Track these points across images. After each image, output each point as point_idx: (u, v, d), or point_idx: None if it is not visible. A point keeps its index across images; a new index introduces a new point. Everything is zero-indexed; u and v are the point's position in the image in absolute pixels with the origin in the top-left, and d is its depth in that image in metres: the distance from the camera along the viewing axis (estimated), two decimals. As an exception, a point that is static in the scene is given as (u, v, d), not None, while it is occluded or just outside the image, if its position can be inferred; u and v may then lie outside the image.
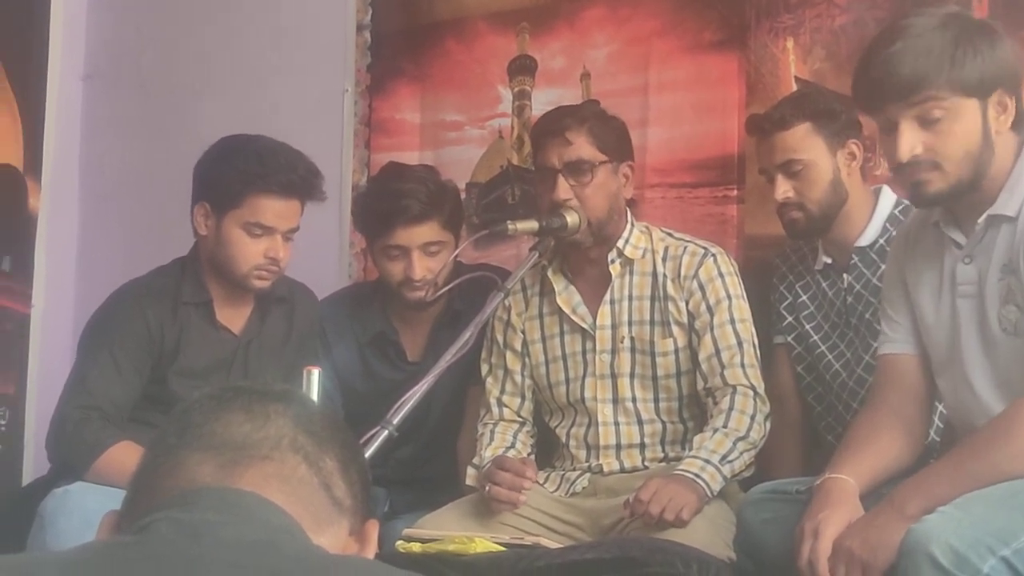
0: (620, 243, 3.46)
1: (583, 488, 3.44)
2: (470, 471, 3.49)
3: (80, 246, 4.80)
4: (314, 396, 2.72)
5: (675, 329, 3.42)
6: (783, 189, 3.38)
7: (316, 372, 2.76)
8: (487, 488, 3.32)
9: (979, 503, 2.47)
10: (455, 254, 3.55)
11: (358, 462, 1.47)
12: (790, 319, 3.59)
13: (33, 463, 4.49)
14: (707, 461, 3.20)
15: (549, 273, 3.51)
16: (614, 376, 3.46)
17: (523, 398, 3.57)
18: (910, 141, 2.65)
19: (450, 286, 3.39)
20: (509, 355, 3.57)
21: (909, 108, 2.64)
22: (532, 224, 3.35)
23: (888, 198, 3.41)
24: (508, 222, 3.34)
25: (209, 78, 4.69)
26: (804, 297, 3.56)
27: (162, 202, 4.50)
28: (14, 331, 4.56)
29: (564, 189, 3.39)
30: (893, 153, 2.67)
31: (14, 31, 4.63)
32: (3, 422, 4.47)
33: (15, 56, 4.62)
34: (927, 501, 2.51)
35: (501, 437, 3.52)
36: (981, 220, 2.70)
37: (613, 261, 3.46)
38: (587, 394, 3.47)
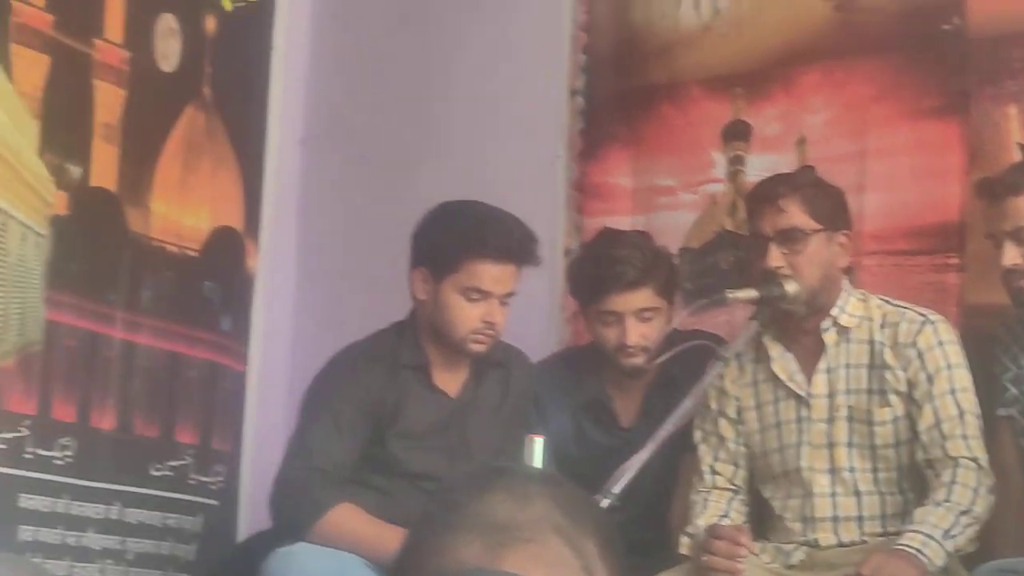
0: (835, 311, 3.42)
1: (799, 561, 3.39)
2: (684, 540, 3.47)
3: (296, 306, 4.89)
4: (537, 464, 2.74)
5: (893, 398, 3.37)
6: (1011, 255, 3.30)
7: (540, 440, 2.78)
8: (703, 558, 3.30)
9: None
10: (673, 324, 3.54)
11: (614, 544, 1.46)
12: (1014, 391, 3.50)
13: (248, 519, 4.58)
14: (929, 536, 3.14)
15: (765, 339, 3.48)
16: (830, 446, 3.41)
17: (736, 466, 3.54)
18: None
19: (668, 355, 3.37)
20: (723, 422, 3.55)
21: None
22: (751, 293, 3.34)
23: None
24: (727, 291, 3.35)
25: (425, 141, 4.76)
26: (1030, 368, 3.48)
27: (377, 263, 4.56)
28: (231, 389, 4.65)
29: (776, 257, 3.37)
30: None
31: (236, 94, 4.74)
32: (220, 479, 4.55)
33: (236, 119, 4.73)
34: None
35: (715, 505, 3.50)
36: None
37: (827, 329, 3.42)
38: (803, 464, 3.43)
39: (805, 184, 3.47)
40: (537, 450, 2.76)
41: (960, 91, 3.90)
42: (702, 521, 3.44)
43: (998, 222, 3.35)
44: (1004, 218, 3.33)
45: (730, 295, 3.34)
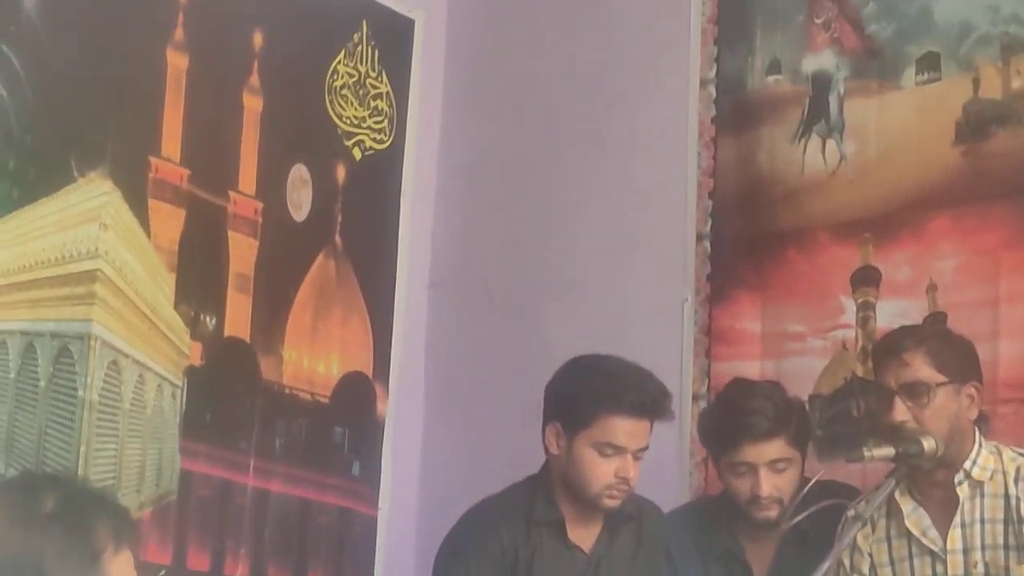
0: (967, 464, 3.38)
1: None
2: None
3: (424, 450, 4.92)
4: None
5: (1031, 555, 3.31)
6: None
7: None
8: None
9: None
10: (809, 483, 3.51)
11: None
12: None
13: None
14: None
15: (897, 494, 3.44)
16: (968, 603, 3.36)
17: None
18: None
19: (804, 515, 3.34)
20: None
21: None
22: (888, 451, 3.31)
23: None
24: (864, 449, 3.31)
25: (552, 286, 4.79)
26: None
27: (505, 409, 4.59)
28: (362, 534, 4.68)
29: (901, 411, 3.34)
30: None
31: (366, 240, 4.82)
32: (354, 626, 4.58)
33: (366, 265, 4.80)
34: None
35: None
36: None
37: (960, 483, 3.37)
38: (941, 621, 3.38)
39: (930, 336, 3.45)
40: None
41: (1092, 240, 3.87)
42: None
43: None
44: None
45: (867, 453, 3.30)
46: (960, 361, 3.41)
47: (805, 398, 4.20)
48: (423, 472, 4.89)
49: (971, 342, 3.52)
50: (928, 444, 3.30)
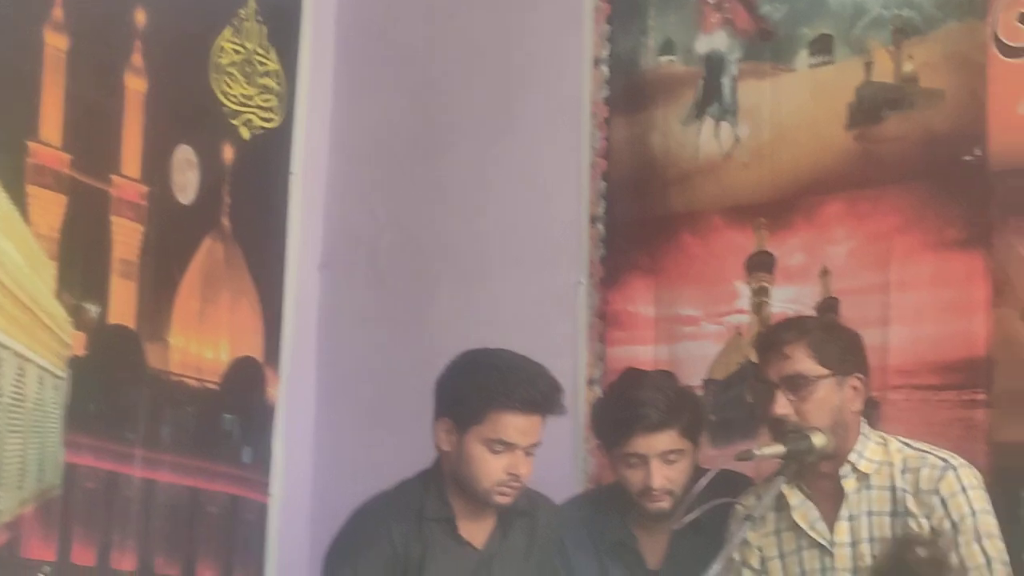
0: (853, 457, 3.37)
1: None
2: None
3: (317, 435, 4.86)
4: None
5: (918, 547, 3.31)
6: None
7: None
8: None
9: None
10: (702, 474, 3.49)
11: None
12: (1043, 534, 3.46)
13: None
14: None
15: (784, 488, 3.42)
16: (857, 595, 3.36)
17: None
18: None
19: (695, 514, 3.31)
20: (746, 573, 3.49)
21: None
22: (778, 449, 3.29)
23: None
24: (754, 448, 3.30)
25: (445, 268, 4.74)
26: (1056, 507, 3.43)
27: (399, 392, 4.55)
28: (253, 522, 4.62)
29: (782, 405, 3.33)
30: None
31: (254, 222, 4.73)
32: (242, 613, 4.52)
33: (255, 247, 4.72)
34: None
35: None
36: None
37: (846, 476, 3.37)
38: (829, 614, 3.38)
39: (813, 329, 3.42)
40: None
41: (983, 223, 3.85)
42: None
43: None
44: None
45: (756, 452, 3.28)
46: (843, 353, 3.39)
47: (699, 383, 4.19)
48: (316, 457, 4.84)
49: (857, 333, 3.50)
50: (818, 440, 3.29)
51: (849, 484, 3.37)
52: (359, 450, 4.69)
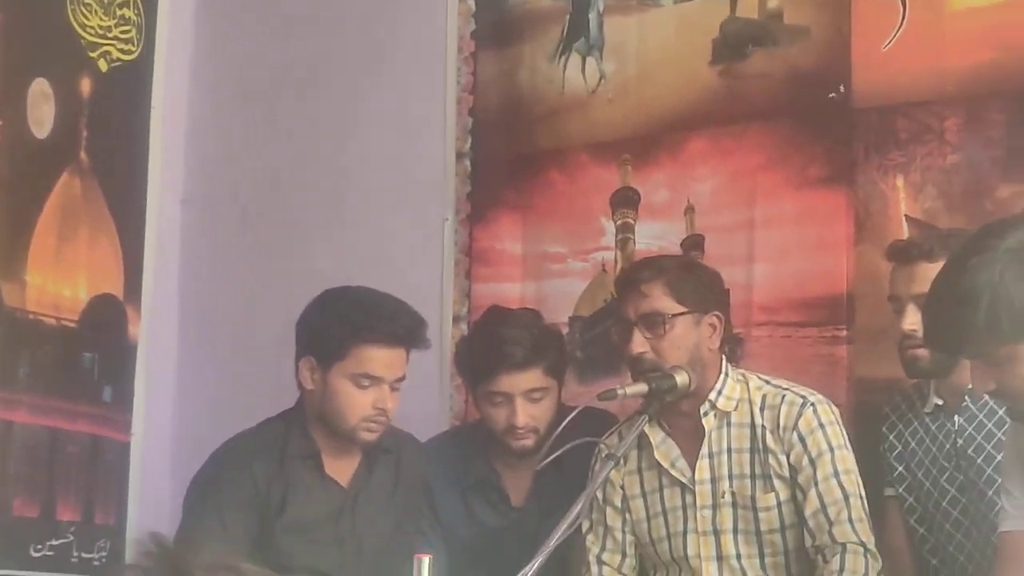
0: (712, 395, 3.38)
1: (690, 646, 3.37)
2: None
3: (179, 374, 4.79)
4: (426, 582, 2.68)
5: (777, 483, 3.33)
6: (912, 320, 3.27)
7: (427, 560, 2.72)
8: None
9: None
10: (567, 412, 3.49)
11: None
12: (900, 469, 3.49)
13: (134, 594, 4.48)
14: (821, 628, 3.12)
15: (646, 427, 3.42)
16: (716, 532, 3.38)
17: (624, 555, 3.50)
18: (979, 380, 2.66)
19: (557, 453, 3.30)
20: (609, 511, 3.50)
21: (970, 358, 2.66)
22: (641, 387, 3.29)
23: None
24: (617, 388, 3.28)
25: (309, 204, 4.68)
26: (913, 444, 3.47)
27: (263, 328, 4.49)
28: (114, 461, 4.54)
29: (639, 343, 3.34)
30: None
31: (114, 157, 4.63)
32: (104, 553, 4.45)
33: (114, 182, 4.62)
34: None
35: None
36: None
37: (706, 414, 3.38)
38: (690, 551, 3.39)
39: (670, 267, 3.41)
40: (425, 571, 2.69)
41: (847, 161, 3.88)
42: None
43: (905, 285, 3.33)
44: (912, 282, 3.29)
45: (620, 391, 3.27)
46: (701, 291, 3.39)
47: (565, 321, 4.19)
48: (178, 396, 4.77)
49: (716, 272, 3.51)
50: (681, 379, 3.29)
51: (709, 422, 3.38)
52: (222, 389, 4.62)
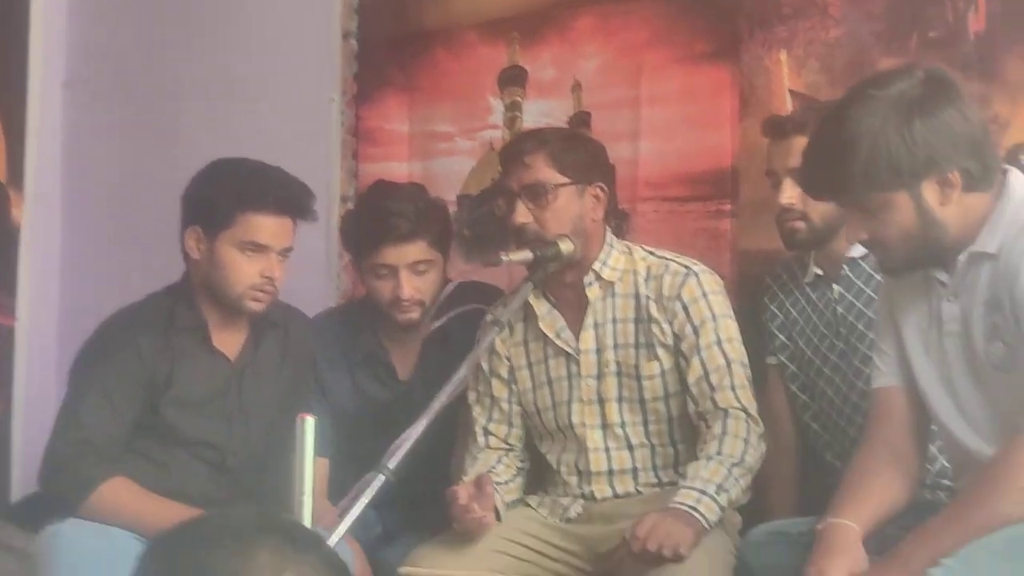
0: (596, 265, 3.40)
1: (577, 515, 3.40)
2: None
3: (64, 256, 4.75)
4: (308, 445, 2.68)
5: (660, 351, 3.36)
6: (789, 194, 3.32)
7: (310, 420, 2.71)
8: (452, 515, 3.26)
9: (982, 554, 2.45)
10: (451, 284, 3.51)
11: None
12: (782, 338, 3.55)
13: (22, 477, 4.45)
14: (703, 492, 3.14)
15: (531, 298, 3.45)
16: (601, 401, 3.41)
17: (510, 425, 3.52)
18: (852, 229, 2.73)
19: (444, 320, 3.33)
20: (495, 382, 3.52)
21: (843, 205, 2.73)
22: (526, 254, 3.29)
23: None
24: (501, 253, 3.29)
25: (193, 86, 4.63)
26: (795, 313, 3.52)
27: (148, 210, 4.45)
28: (-1, 344, 4.52)
29: (522, 213, 3.34)
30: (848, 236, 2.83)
31: (-7, 38, 4.57)
32: (-11, 436, 4.43)
33: (-5, 64, 4.56)
34: (932, 554, 2.49)
35: (482, 465, 3.46)
36: (962, 258, 2.69)
37: (590, 284, 3.40)
38: (575, 420, 3.42)
39: (553, 139, 3.41)
40: (308, 431, 2.68)
41: (731, 37, 3.90)
42: (468, 479, 3.41)
43: (781, 160, 3.36)
44: (787, 156, 3.32)
45: (504, 257, 3.28)
46: (585, 162, 3.40)
47: (453, 199, 4.19)
48: (63, 278, 4.73)
49: (599, 143, 3.52)
50: (565, 246, 3.30)
51: (593, 292, 3.40)
52: (108, 272, 4.59)
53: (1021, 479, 2.51)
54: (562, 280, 3.40)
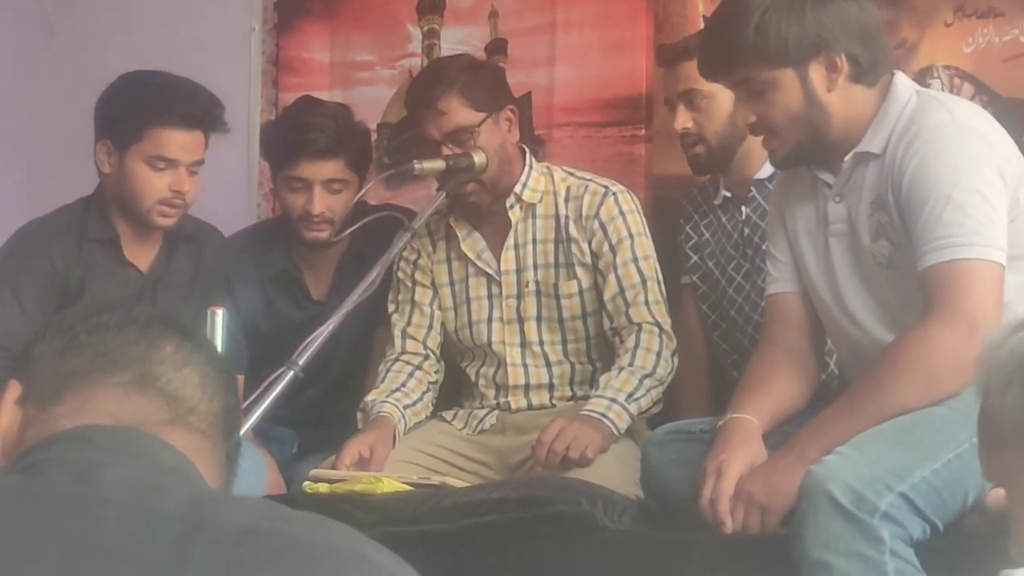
0: (517, 188, 3.43)
1: (491, 426, 3.44)
2: (359, 415, 3.45)
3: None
4: (218, 337, 2.70)
5: (579, 270, 3.41)
6: (683, 120, 3.39)
7: (220, 313, 2.74)
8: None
9: (875, 441, 2.51)
10: (360, 195, 3.53)
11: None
12: (695, 258, 3.61)
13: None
14: (613, 400, 3.21)
15: (451, 220, 3.48)
16: (521, 320, 3.46)
17: (430, 328, 3.53)
18: (742, 112, 2.83)
19: (354, 228, 3.36)
20: (418, 290, 3.54)
21: (734, 85, 2.77)
22: (439, 164, 3.32)
23: None
24: (415, 161, 3.31)
25: (113, 15, 4.61)
26: (707, 235, 3.58)
27: (68, 139, 4.39)
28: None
29: (447, 150, 3.35)
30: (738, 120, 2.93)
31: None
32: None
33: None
34: (827, 443, 2.54)
35: (393, 378, 3.48)
36: (847, 159, 2.75)
37: (512, 206, 3.44)
38: (495, 338, 3.47)
39: (459, 76, 3.39)
40: (218, 323, 2.71)
41: (646, -38, 3.94)
42: (371, 396, 3.43)
43: (672, 86, 3.43)
44: (678, 82, 3.39)
45: (417, 166, 3.29)
46: (491, 91, 3.41)
47: (373, 127, 4.20)
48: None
49: (496, 65, 3.55)
50: (479, 158, 3.33)
51: (515, 214, 3.44)
52: (27, 198, 4.54)
53: (912, 370, 2.56)
54: (482, 202, 3.43)
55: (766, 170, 3.39)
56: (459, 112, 3.35)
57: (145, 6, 4.59)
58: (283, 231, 3.76)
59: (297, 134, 3.59)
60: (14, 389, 1.41)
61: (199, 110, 3.42)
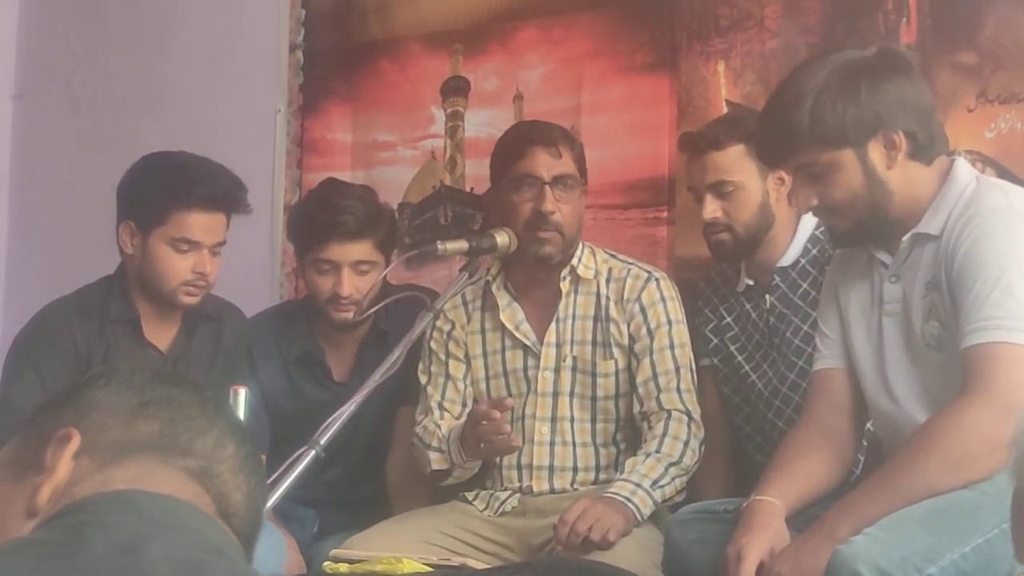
0: (574, 261, 3.47)
1: (512, 508, 3.43)
2: (434, 456, 3.43)
3: (8, 265, 4.75)
4: (241, 416, 2.70)
5: (616, 351, 3.43)
6: (711, 209, 3.39)
7: (243, 392, 2.74)
8: (480, 445, 3.25)
9: (905, 522, 2.49)
10: (383, 274, 3.54)
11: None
12: (716, 341, 3.59)
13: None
14: (638, 485, 3.19)
15: (493, 288, 3.50)
16: (555, 394, 3.46)
17: (464, 405, 3.53)
18: (803, 196, 2.78)
19: (376, 307, 3.37)
20: (452, 363, 3.54)
21: (794, 170, 2.78)
22: (462, 244, 3.33)
23: (810, 219, 3.41)
24: (438, 242, 3.30)
25: (142, 97, 4.66)
26: (728, 319, 3.57)
27: (93, 221, 4.44)
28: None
29: (552, 200, 3.39)
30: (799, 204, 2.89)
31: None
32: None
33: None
34: (856, 523, 2.52)
35: (448, 421, 3.48)
36: (906, 239, 2.75)
37: (565, 278, 3.46)
38: (527, 411, 3.46)
39: (572, 136, 3.51)
40: (241, 401, 2.71)
41: (670, 47, 3.96)
42: (444, 432, 3.42)
43: (699, 176, 3.42)
44: (705, 172, 3.40)
45: (441, 246, 3.29)
46: (584, 164, 3.50)
47: (395, 207, 4.22)
48: (7, 286, 4.74)
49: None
50: (501, 239, 3.35)
51: (565, 287, 3.46)
52: (52, 280, 4.56)
53: (944, 449, 2.55)
54: (533, 276, 3.47)
55: (789, 257, 3.41)
56: (570, 163, 3.44)
57: (173, 87, 4.63)
58: (305, 312, 3.76)
59: (327, 216, 3.60)
60: (75, 441, 1.40)
61: (221, 192, 3.43)
